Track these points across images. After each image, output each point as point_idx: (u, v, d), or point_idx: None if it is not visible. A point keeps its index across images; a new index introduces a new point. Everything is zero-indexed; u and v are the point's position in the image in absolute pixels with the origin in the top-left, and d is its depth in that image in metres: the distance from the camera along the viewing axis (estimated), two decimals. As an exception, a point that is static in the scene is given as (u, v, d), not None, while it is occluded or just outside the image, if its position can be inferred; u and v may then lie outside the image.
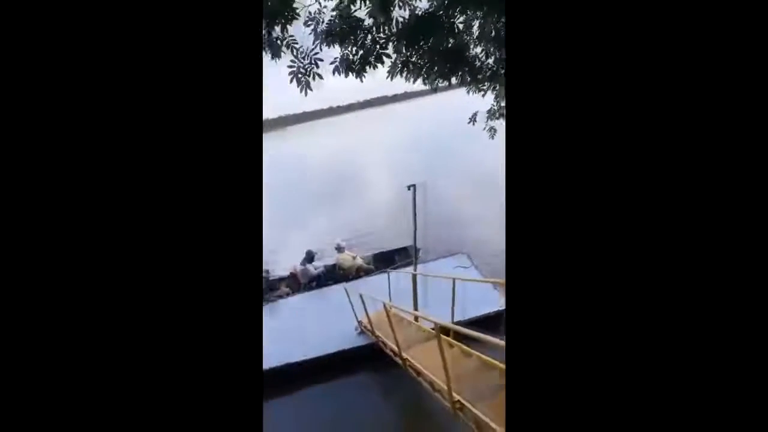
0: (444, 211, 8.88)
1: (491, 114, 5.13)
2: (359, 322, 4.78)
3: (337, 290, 5.95)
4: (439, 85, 3.75)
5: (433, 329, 3.67)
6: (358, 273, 6.51)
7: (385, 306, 3.41)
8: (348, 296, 4.80)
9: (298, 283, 6.51)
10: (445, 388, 2.41)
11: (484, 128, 5.22)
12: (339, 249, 6.63)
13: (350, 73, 3.18)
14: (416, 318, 4.31)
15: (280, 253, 7.76)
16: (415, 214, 4.20)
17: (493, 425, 1.98)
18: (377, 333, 4.05)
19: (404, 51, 3.31)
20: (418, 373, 3.02)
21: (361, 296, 4.08)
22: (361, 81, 3.21)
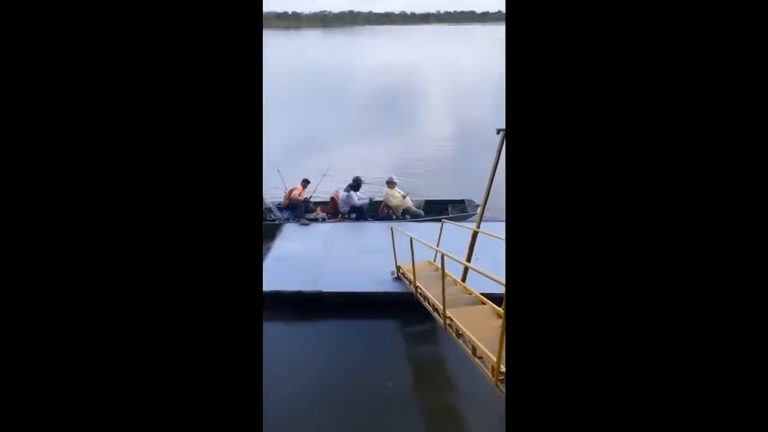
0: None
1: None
2: (397, 267, 4.83)
3: (375, 227, 5.98)
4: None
5: (482, 294, 3.67)
6: (404, 215, 6.44)
7: (442, 256, 3.35)
8: (392, 236, 4.80)
9: (336, 211, 6.59)
10: (491, 357, 2.50)
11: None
12: (390, 183, 6.42)
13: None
14: (464, 278, 4.27)
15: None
16: (495, 166, 3.88)
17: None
18: (418, 284, 4.08)
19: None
20: (459, 335, 3.08)
21: (411, 239, 4.03)
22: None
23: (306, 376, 3.72)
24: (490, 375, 2.54)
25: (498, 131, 3.77)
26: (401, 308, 4.47)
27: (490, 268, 2.73)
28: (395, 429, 3.25)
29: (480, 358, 2.74)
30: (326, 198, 6.78)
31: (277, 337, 4.13)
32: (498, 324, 2.87)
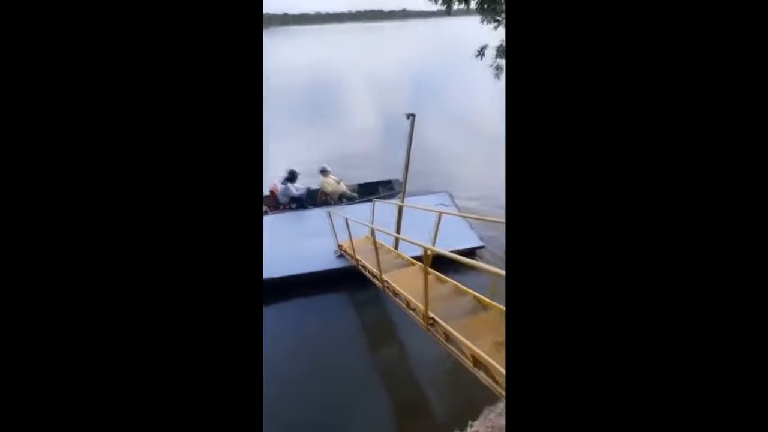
0: (427, 147, 8.78)
1: (500, 51, 4.93)
2: (339, 246, 5.03)
3: (315, 214, 6.11)
4: (455, 7, 3.53)
5: (413, 257, 4.04)
6: (340, 199, 6.63)
7: (372, 230, 3.62)
8: (330, 220, 4.96)
9: (276, 203, 6.55)
10: (421, 306, 2.75)
11: (491, 65, 5.04)
12: (324, 172, 6.61)
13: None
14: (396, 246, 4.64)
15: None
16: (409, 147, 4.21)
17: (460, 337, 2.35)
18: (358, 257, 4.32)
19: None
20: (396, 293, 3.40)
21: (346, 220, 4.25)
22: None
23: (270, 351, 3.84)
24: (422, 321, 2.76)
25: (407, 116, 4.07)
26: (347, 281, 4.73)
27: (416, 233, 3.02)
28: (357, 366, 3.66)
29: (413, 310, 2.99)
30: (265, 192, 6.68)
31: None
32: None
